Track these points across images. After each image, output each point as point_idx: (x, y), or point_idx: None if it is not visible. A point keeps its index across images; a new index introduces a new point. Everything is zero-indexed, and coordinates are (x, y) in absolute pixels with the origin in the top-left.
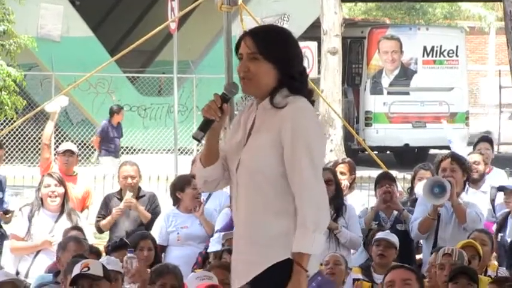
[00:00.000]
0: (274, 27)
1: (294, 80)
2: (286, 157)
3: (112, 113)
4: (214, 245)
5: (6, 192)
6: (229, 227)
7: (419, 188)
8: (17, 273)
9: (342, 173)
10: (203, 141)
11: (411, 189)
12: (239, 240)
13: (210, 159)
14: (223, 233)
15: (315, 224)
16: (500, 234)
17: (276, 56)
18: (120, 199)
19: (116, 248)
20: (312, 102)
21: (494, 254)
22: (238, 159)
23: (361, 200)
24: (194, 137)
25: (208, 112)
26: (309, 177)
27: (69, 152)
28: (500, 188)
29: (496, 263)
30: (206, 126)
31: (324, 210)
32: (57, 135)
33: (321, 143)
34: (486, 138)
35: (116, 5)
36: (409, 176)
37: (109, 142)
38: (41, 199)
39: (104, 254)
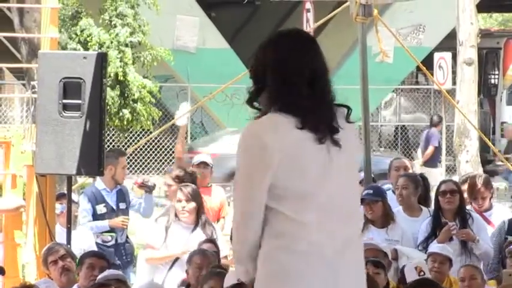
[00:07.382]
0: None
1: None
2: None
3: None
4: None
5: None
6: None
7: None
8: None
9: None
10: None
11: None
12: None
13: None
14: None
15: (234, 255)
16: None
17: None
18: None
19: None
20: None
21: None
22: None
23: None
24: None
25: None
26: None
27: (203, 164)
28: None
29: None
30: None
31: (238, 241)
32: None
33: (249, 159)
34: None
35: (251, 16)
36: None
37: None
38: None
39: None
